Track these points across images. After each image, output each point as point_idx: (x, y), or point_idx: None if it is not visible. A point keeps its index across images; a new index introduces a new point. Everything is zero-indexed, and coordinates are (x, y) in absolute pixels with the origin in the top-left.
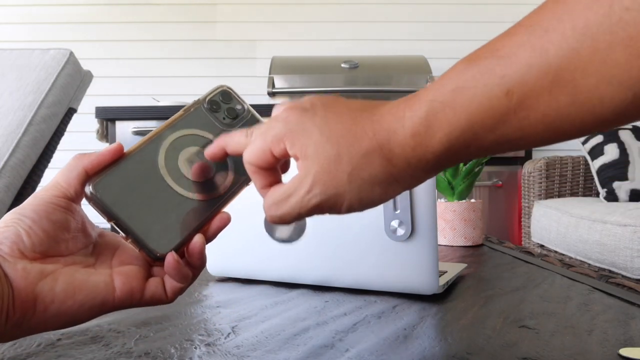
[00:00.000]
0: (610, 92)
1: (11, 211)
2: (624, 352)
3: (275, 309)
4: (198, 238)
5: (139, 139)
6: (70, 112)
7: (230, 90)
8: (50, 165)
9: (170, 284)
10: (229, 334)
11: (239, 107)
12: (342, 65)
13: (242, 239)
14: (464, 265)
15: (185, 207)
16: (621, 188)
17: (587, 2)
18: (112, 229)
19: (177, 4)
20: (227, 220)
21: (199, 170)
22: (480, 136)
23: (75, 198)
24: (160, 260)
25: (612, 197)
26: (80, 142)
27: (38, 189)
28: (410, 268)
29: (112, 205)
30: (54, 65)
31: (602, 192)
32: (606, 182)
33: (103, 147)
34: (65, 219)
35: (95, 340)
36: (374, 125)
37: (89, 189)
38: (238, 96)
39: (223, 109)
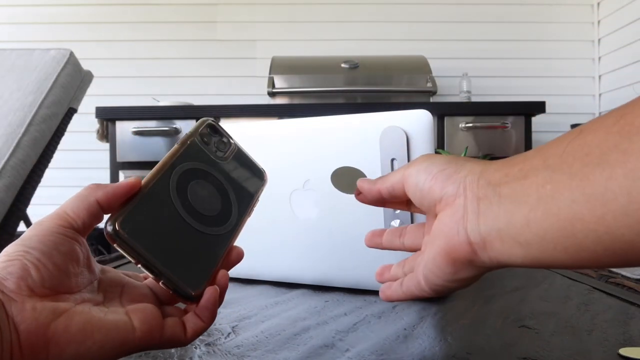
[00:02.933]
0: None
1: (13, 243)
2: (624, 352)
3: (275, 309)
4: (223, 273)
5: (139, 139)
6: (71, 112)
7: (215, 123)
8: (50, 165)
9: (194, 323)
10: (229, 334)
11: (225, 139)
12: (342, 65)
13: (242, 239)
14: None
15: (206, 243)
16: None
17: None
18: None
19: (178, 4)
20: (242, 255)
21: (211, 204)
22: None
23: (82, 230)
24: (194, 300)
25: None
26: (80, 142)
27: (40, 216)
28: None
29: (141, 245)
30: (54, 65)
31: None
32: None
33: (103, 147)
34: (73, 250)
35: None
36: None
37: (114, 227)
38: (223, 129)
39: (213, 141)
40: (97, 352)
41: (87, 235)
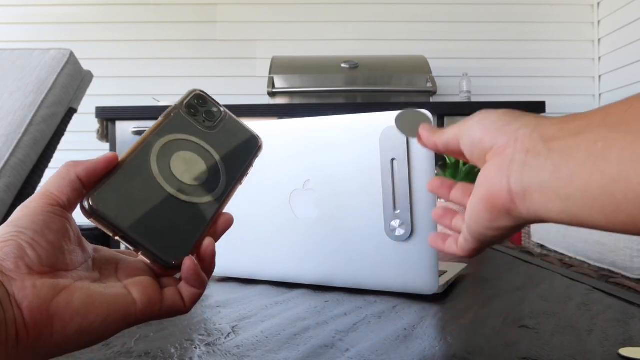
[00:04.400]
0: None
1: (4, 225)
2: (624, 352)
3: (275, 309)
4: (208, 241)
5: (139, 139)
6: (71, 112)
7: (203, 94)
8: (50, 165)
9: (188, 291)
10: (229, 334)
11: (214, 109)
12: (342, 65)
13: (242, 239)
14: (464, 265)
15: (189, 212)
16: None
17: None
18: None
19: (177, 4)
20: (231, 221)
21: (195, 174)
22: None
23: (68, 207)
24: (176, 268)
25: None
26: (80, 142)
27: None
28: (410, 268)
29: (117, 219)
30: (54, 65)
31: None
32: None
33: (103, 147)
34: (65, 227)
35: None
36: None
37: (88, 203)
38: (212, 99)
39: (201, 112)
40: (101, 326)
41: (72, 212)
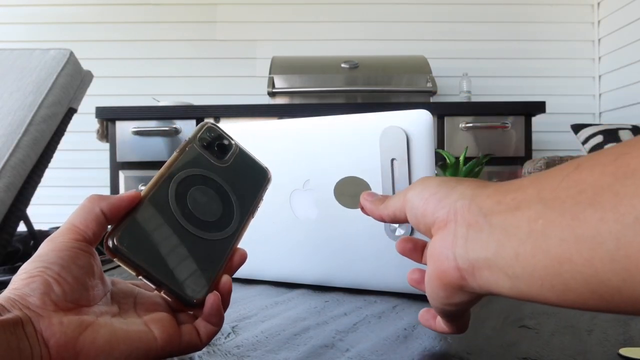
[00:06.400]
0: None
1: (30, 260)
2: (624, 352)
3: (275, 309)
4: (226, 278)
5: (139, 139)
6: (71, 112)
7: (215, 126)
8: (50, 165)
9: (206, 328)
10: (229, 334)
11: (226, 142)
12: (342, 65)
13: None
14: None
15: (207, 249)
16: None
17: None
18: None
19: (177, 4)
20: (245, 256)
21: (211, 210)
22: None
23: (93, 241)
24: (196, 306)
25: None
26: (80, 142)
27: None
28: (410, 268)
29: (140, 259)
30: (54, 65)
31: None
32: None
33: (103, 147)
34: (90, 263)
35: None
36: None
37: (113, 242)
38: (224, 131)
39: (213, 145)
40: None
41: (96, 245)
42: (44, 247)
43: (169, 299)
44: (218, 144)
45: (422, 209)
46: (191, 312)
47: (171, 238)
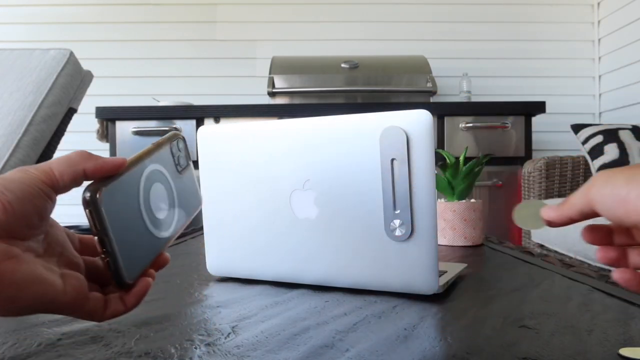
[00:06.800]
0: None
1: None
2: (624, 352)
3: (275, 309)
4: (148, 280)
5: (139, 139)
6: (71, 112)
7: (184, 140)
8: None
9: (116, 306)
10: (229, 334)
11: (186, 155)
12: (342, 65)
13: (242, 239)
14: (464, 265)
15: (149, 241)
16: None
17: None
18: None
19: (177, 4)
20: (167, 261)
21: (162, 209)
22: None
23: (60, 189)
24: (124, 287)
25: None
26: (80, 142)
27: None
28: (410, 268)
29: (110, 221)
30: (54, 65)
31: None
32: None
33: (103, 147)
34: (44, 207)
35: (95, 340)
36: None
37: (93, 194)
38: (187, 147)
39: (177, 154)
40: (28, 302)
41: (60, 193)
42: (14, 174)
43: (106, 268)
44: (181, 155)
45: (623, 210)
46: (112, 290)
47: (133, 218)
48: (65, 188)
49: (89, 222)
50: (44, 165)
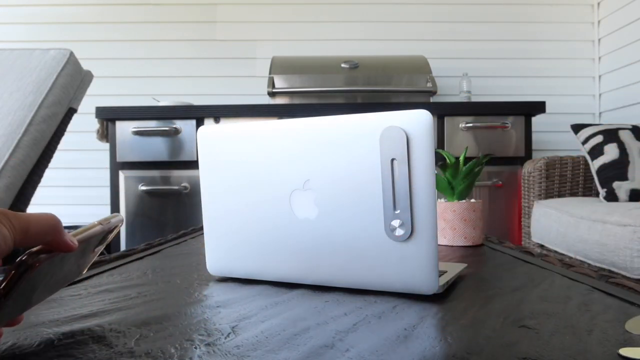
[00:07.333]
0: None
1: None
2: (624, 352)
3: (275, 309)
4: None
5: (139, 139)
6: (71, 112)
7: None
8: (50, 165)
9: None
10: (229, 334)
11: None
12: (342, 65)
13: (242, 239)
14: (464, 265)
15: (22, 307)
16: (621, 188)
17: None
18: None
19: (177, 4)
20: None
21: (49, 286)
22: None
23: (17, 244)
24: None
25: (612, 197)
26: (80, 142)
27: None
28: (410, 268)
29: (20, 287)
30: (54, 65)
31: (602, 192)
32: (606, 182)
33: (103, 147)
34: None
35: (95, 340)
36: None
37: (33, 264)
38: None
39: (103, 239)
40: None
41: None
42: None
43: None
44: (103, 236)
45: None
46: None
47: (32, 290)
48: (21, 245)
49: (4, 276)
50: (23, 223)
